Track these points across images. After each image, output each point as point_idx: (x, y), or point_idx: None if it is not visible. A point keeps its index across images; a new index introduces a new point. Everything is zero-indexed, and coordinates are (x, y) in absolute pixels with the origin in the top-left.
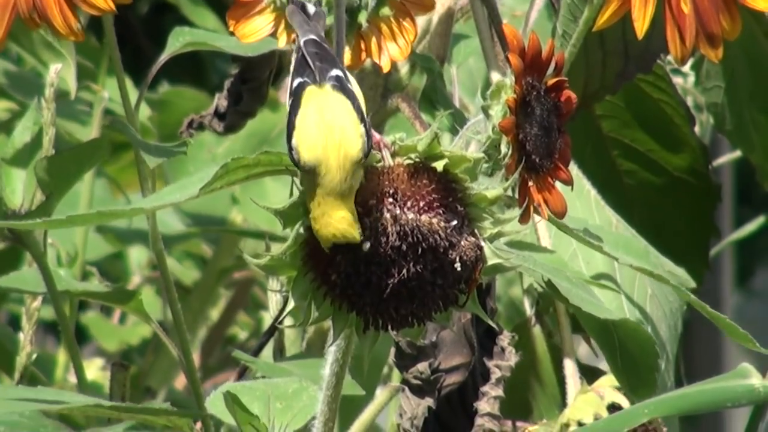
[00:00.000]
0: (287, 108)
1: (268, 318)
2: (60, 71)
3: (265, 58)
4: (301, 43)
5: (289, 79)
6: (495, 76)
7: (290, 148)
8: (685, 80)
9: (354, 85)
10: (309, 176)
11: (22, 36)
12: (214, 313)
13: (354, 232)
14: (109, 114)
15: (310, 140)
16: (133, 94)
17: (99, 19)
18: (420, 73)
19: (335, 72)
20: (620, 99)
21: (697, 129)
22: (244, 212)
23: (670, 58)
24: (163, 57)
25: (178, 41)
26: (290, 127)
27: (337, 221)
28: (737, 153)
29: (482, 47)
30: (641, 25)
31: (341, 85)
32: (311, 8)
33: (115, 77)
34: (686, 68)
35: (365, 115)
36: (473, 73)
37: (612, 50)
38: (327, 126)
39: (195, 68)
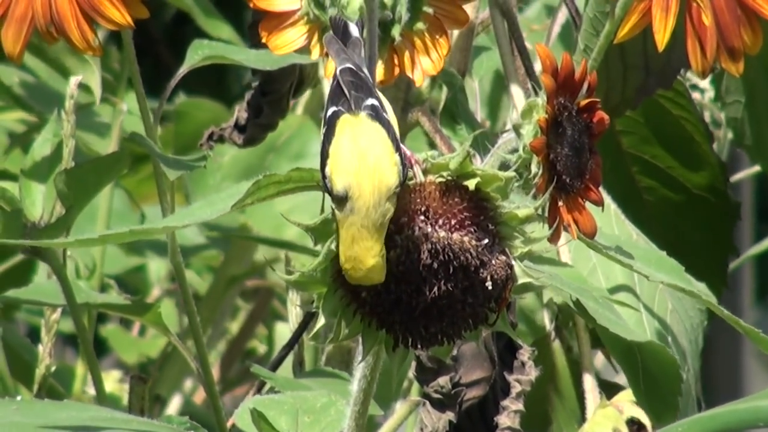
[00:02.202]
0: (321, 136)
1: (282, 329)
2: (82, 81)
3: (286, 71)
4: (337, 72)
5: (324, 108)
6: (514, 90)
7: (324, 176)
8: (702, 96)
9: (390, 114)
10: (341, 206)
11: (46, 45)
12: (234, 326)
13: (382, 279)
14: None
15: (343, 168)
16: (151, 105)
17: (119, 31)
18: (439, 87)
19: (371, 101)
20: (640, 115)
21: (715, 146)
22: (250, 219)
23: (690, 74)
24: (182, 70)
25: (197, 54)
26: (324, 156)
27: (368, 270)
28: (756, 168)
29: (502, 61)
30: (662, 37)
31: (376, 114)
32: (353, 28)
33: (134, 89)
34: (704, 84)
35: (401, 144)
36: (489, 85)
37: (633, 65)
38: (361, 154)
39: (214, 79)
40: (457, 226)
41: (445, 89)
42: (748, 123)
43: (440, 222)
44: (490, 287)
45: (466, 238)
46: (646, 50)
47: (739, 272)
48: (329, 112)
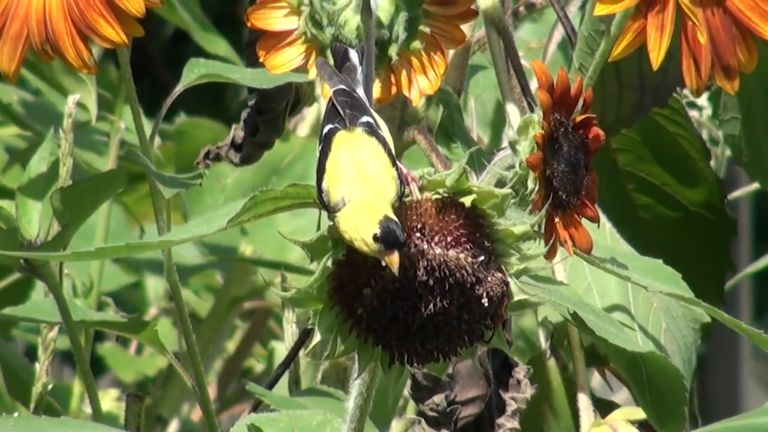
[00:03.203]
0: (317, 153)
1: (279, 348)
2: (79, 100)
3: (282, 90)
4: (332, 92)
5: (319, 127)
6: (510, 108)
7: (320, 191)
8: (700, 113)
9: (384, 131)
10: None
11: (43, 63)
12: (231, 345)
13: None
14: (126, 145)
15: (341, 180)
16: (149, 124)
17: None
18: (435, 105)
19: (365, 119)
20: (636, 133)
21: (712, 163)
22: (253, 242)
23: (686, 91)
24: (178, 88)
25: (193, 73)
26: (321, 171)
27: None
28: (754, 186)
29: (498, 79)
30: (656, 56)
31: (372, 130)
32: (354, 55)
33: (131, 108)
34: (701, 101)
35: (396, 160)
36: (485, 104)
37: (628, 83)
38: (359, 165)
39: (212, 98)
40: (453, 243)
41: (441, 108)
42: (746, 140)
43: (436, 239)
44: (486, 304)
45: (462, 255)
46: (641, 69)
47: (736, 290)
48: (325, 130)
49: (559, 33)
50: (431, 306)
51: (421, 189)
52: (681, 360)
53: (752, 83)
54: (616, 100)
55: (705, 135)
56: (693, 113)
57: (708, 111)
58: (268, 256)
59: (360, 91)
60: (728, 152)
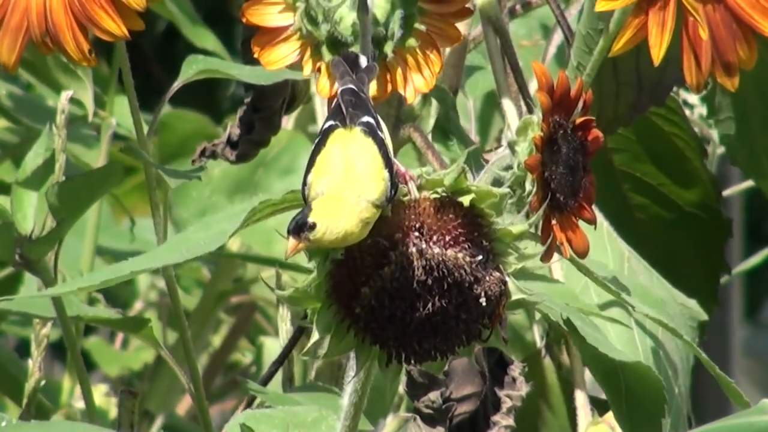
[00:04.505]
0: (312, 147)
1: (270, 345)
2: (74, 95)
3: (278, 87)
4: (339, 91)
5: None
6: (507, 106)
7: (304, 183)
8: (692, 112)
9: (385, 134)
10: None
11: (37, 58)
12: (216, 340)
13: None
14: (117, 139)
15: (324, 175)
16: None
17: (109, 44)
18: (429, 103)
19: (366, 118)
20: (632, 132)
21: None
22: (240, 234)
23: (682, 91)
24: (177, 84)
25: (191, 68)
26: (310, 164)
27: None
28: (745, 185)
29: (495, 78)
30: (658, 51)
31: (370, 131)
32: (363, 61)
33: (122, 102)
34: (693, 99)
35: (393, 163)
36: (480, 102)
37: (625, 82)
38: (346, 163)
39: (203, 93)
40: (452, 243)
41: (436, 106)
42: (742, 139)
43: (434, 238)
44: (483, 303)
45: (460, 255)
46: (638, 67)
47: (728, 289)
48: (325, 126)
49: (559, 34)
50: (429, 305)
51: (420, 188)
52: (679, 358)
53: (748, 83)
54: (613, 98)
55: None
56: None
57: (700, 110)
58: (256, 248)
59: (366, 92)
60: (719, 150)
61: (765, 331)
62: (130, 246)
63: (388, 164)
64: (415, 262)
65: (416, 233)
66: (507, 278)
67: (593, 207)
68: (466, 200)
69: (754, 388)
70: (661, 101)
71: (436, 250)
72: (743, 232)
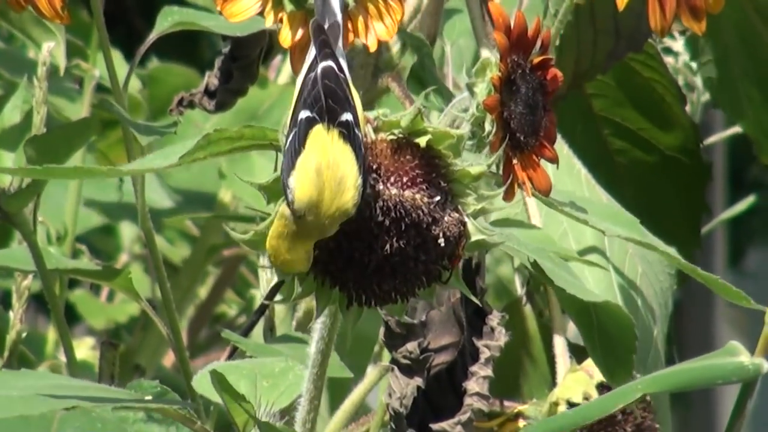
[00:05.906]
0: (287, 139)
1: (259, 297)
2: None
3: (255, 37)
4: (318, 71)
5: (293, 102)
6: (485, 54)
7: (285, 185)
8: (676, 59)
9: (361, 130)
10: (293, 216)
11: (12, 13)
12: (202, 291)
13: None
14: (101, 91)
15: (306, 187)
16: (123, 70)
17: None
18: (411, 52)
19: (345, 116)
20: (611, 78)
21: (687, 108)
22: (231, 187)
23: (668, 39)
24: (152, 36)
25: (166, 21)
26: (290, 165)
27: (294, 262)
28: (728, 132)
29: (472, 25)
30: None
31: (348, 133)
32: (335, 2)
33: (104, 56)
34: (678, 47)
35: (365, 165)
36: (463, 51)
37: (603, 29)
38: (327, 177)
39: (186, 45)
40: (409, 184)
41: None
42: (723, 83)
43: (392, 179)
44: (442, 244)
45: (417, 195)
46: (616, 14)
47: (712, 238)
48: (302, 116)
49: None
50: (387, 246)
51: (377, 130)
52: (657, 304)
53: (728, 31)
54: (591, 46)
55: (681, 81)
56: (669, 59)
57: (684, 57)
58: (248, 201)
59: (343, 63)
60: (704, 98)
61: (749, 279)
62: (117, 197)
63: (362, 167)
64: (373, 204)
65: (373, 175)
66: (466, 219)
67: (562, 148)
68: (422, 141)
69: (739, 336)
70: (639, 48)
71: (393, 191)
72: (727, 180)
